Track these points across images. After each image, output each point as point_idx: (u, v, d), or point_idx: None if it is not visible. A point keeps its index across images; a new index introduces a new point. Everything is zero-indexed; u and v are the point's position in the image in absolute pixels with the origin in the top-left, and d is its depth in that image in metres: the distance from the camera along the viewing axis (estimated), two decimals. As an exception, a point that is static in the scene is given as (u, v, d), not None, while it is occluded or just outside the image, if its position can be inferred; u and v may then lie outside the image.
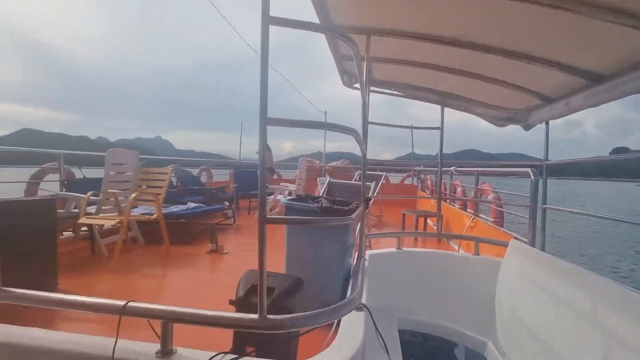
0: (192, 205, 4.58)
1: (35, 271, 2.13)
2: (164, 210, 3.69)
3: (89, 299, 1.04)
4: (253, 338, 1.24)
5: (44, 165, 4.55)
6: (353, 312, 1.32)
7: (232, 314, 0.97)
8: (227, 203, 5.88)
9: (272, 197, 5.62)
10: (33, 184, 4.53)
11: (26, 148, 4.62)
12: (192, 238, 3.98)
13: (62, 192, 3.79)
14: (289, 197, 2.48)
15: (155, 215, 3.28)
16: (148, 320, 1.01)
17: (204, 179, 8.34)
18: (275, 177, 8.74)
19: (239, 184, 6.70)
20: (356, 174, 6.80)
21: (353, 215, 1.44)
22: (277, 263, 1.98)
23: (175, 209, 4.24)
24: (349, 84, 3.12)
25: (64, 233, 3.38)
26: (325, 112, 11.66)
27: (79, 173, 4.61)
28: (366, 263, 2.08)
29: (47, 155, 4.70)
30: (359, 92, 1.59)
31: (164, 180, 3.53)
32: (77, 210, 3.37)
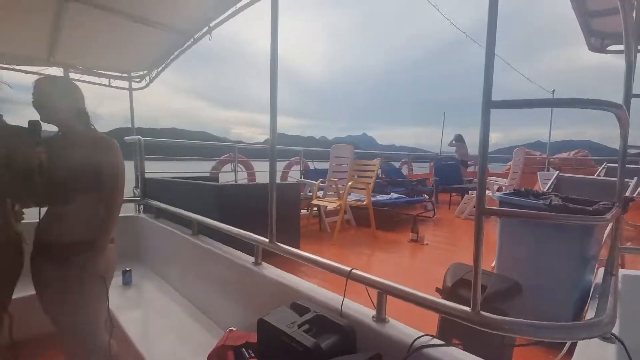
0: (394, 195, 4.88)
1: (288, 235, 2.93)
2: (371, 198, 4.13)
3: (326, 260, 1.34)
4: (459, 331, 1.21)
5: (291, 159, 6.18)
6: (597, 339, 1.04)
7: (443, 300, 0.99)
8: (426, 196, 5.86)
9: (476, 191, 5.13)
10: (285, 172, 6.22)
11: (282, 146, 6.40)
12: (394, 226, 4.25)
13: (302, 179, 4.97)
14: (502, 192, 2.20)
15: (365, 202, 3.74)
16: (366, 288, 1.18)
17: (404, 171, 8.63)
18: (471, 169, 7.97)
19: (439, 176, 6.51)
20: (601, 168, 5.07)
21: (608, 216, 1.09)
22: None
23: (380, 198, 4.65)
24: (599, 48, 2.37)
25: (301, 211, 4.44)
26: (553, 90, 9.26)
27: (311, 165, 5.93)
28: (618, 284, 1.55)
29: (293, 152, 6.32)
30: (609, 59, 1.19)
31: (373, 172, 3.95)
32: (311, 194, 4.34)
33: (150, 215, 2.85)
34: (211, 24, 2.27)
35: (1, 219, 1.35)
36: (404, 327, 1.08)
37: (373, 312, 1.14)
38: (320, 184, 4.00)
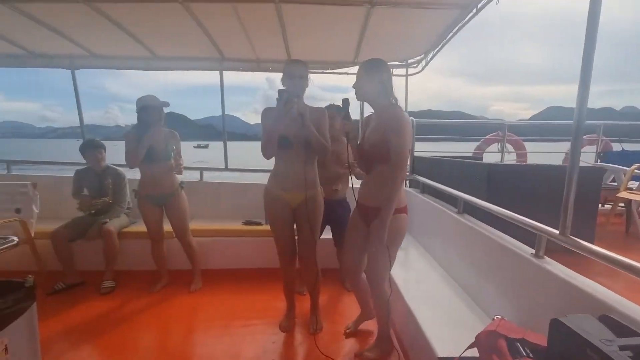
0: None
1: (578, 230, 2.33)
2: None
3: None
4: None
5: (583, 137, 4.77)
6: None
7: None
8: None
9: None
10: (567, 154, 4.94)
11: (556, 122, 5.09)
12: None
13: (597, 163, 3.74)
14: None
15: None
16: None
17: None
18: None
19: None
20: None
21: None
22: None
23: None
24: None
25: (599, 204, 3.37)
26: None
27: (616, 146, 4.30)
28: None
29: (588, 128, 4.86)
30: None
31: None
32: (614, 184, 3.20)
33: (417, 190, 3.11)
34: (501, -17, 2.06)
35: (314, 179, 1.92)
36: None
37: None
38: (636, 171, 2.83)
